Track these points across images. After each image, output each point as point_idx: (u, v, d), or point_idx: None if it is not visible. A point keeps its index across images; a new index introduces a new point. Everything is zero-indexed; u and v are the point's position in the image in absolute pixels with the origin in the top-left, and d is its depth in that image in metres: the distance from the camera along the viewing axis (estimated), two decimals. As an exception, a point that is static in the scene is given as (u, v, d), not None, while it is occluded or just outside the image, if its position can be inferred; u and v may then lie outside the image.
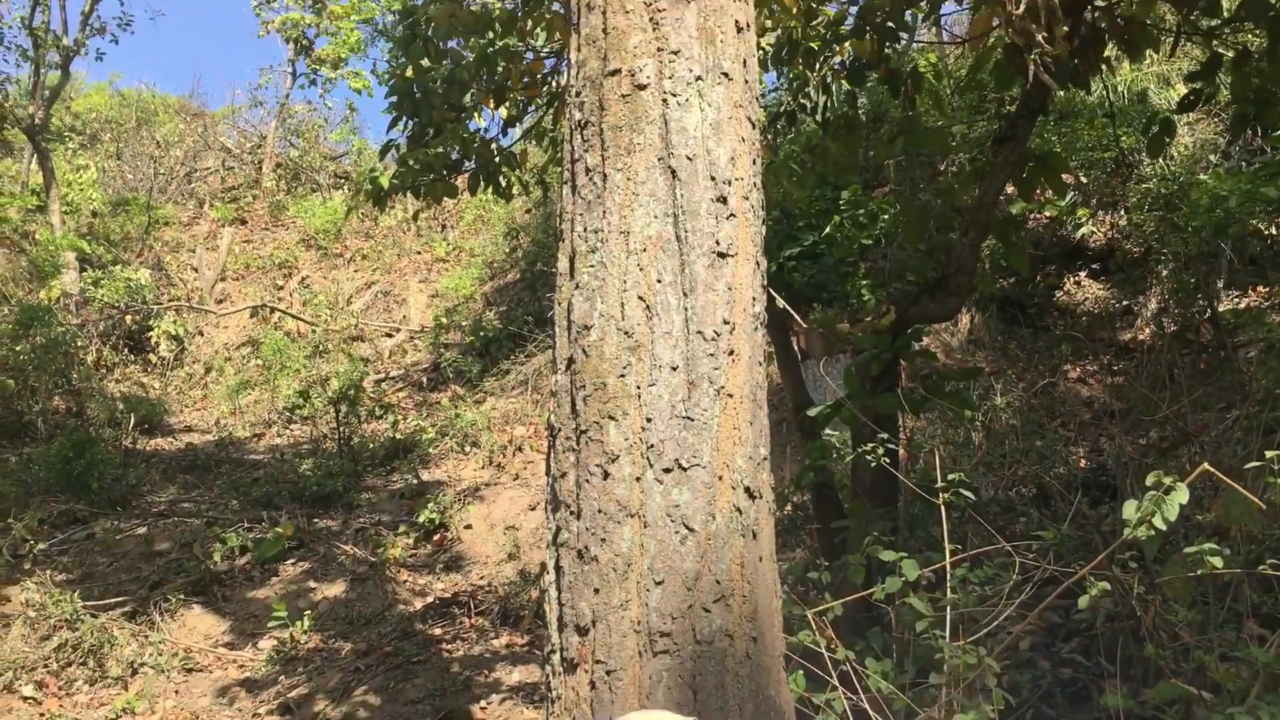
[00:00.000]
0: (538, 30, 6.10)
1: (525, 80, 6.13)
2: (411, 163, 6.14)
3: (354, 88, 25.95)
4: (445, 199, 6.47)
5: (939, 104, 7.15)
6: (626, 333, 2.55)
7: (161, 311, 17.64)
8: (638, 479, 2.49)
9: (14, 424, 13.48)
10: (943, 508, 4.08)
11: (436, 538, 10.58)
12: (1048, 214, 11.56)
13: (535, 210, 18.39)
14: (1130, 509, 3.03)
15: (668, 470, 2.49)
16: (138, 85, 27.88)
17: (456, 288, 18.04)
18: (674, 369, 2.53)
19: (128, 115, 25.35)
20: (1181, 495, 2.94)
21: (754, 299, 2.71)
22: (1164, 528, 2.92)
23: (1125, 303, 10.90)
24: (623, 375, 2.53)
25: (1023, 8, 3.57)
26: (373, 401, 14.42)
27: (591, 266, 2.63)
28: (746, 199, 2.72)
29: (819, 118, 5.69)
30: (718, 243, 2.61)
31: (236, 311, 18.94)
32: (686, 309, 2.57)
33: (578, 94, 2.82)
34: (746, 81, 2.82)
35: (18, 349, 13.57)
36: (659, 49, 2.70)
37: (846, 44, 5.31)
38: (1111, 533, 6.40)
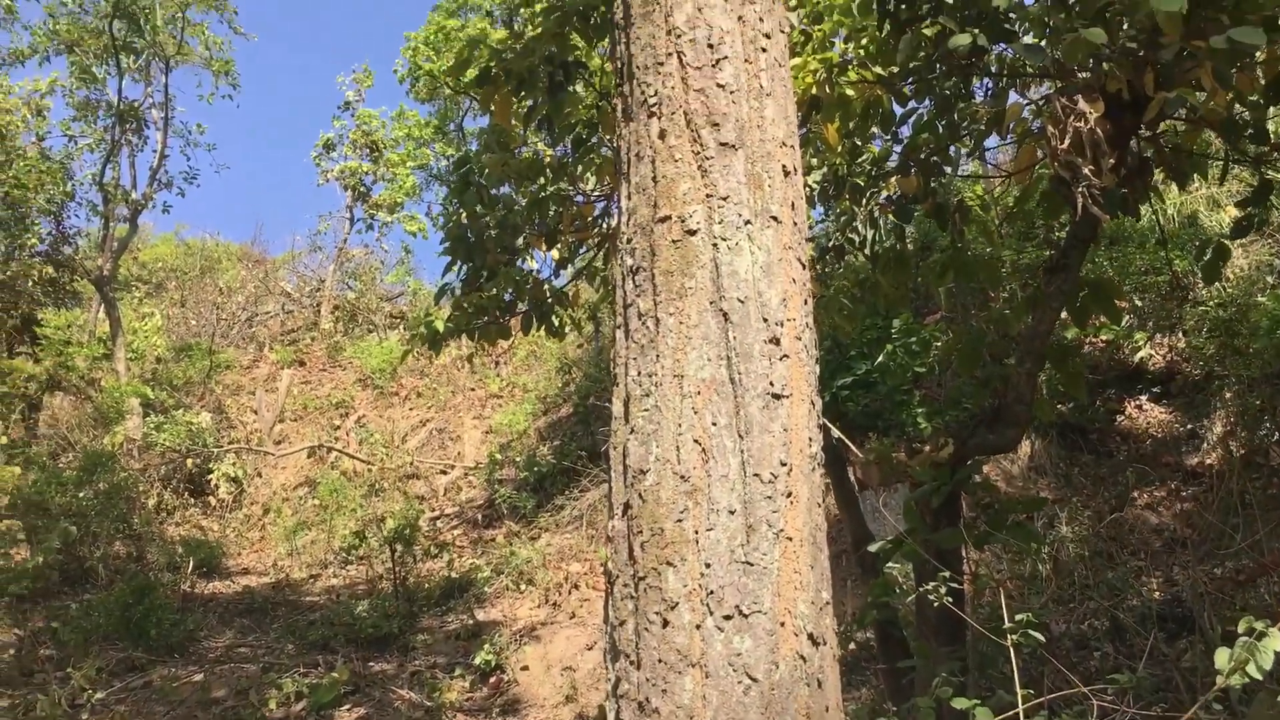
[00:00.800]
0: (587, 174, 6.26)
1: (576, 223, 6.27)
2: (466, 306, 6.25)
3: (409, 230, 26.73)
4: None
5: (987, 234, 7.18)
6: (683, 477, 2.52)
7: (221, 454, 17.90)
8: (698, 627, 2.44)
9: (75, 570, 13.60)
10: (1012, 649, 3.94)
11: (493, 680, 10.41)
12: (1104, 338, 11.46)
13: (587, 344, 18.60)
14: (1223, 658, 2.89)
15: (728, 617, 2.43)
16: (202, 235, 28.94)
17: (510, 423, 18.16)
18: (732, 513, 2.50)
19: (192, 264, 26.25)
20: (1276, 642, 2.81)
21: (810, 439, 2.68)
22: (1260, 677, 2.79)
23: (1189, 426, 10.68)
24: (680, 520, 2.50)
25: (1067, 142, 3.60)
26: (428, 540, 14.41)
27: (646, 410, 2.63)
28: (799, 339, 2.72)
29: (868, 251, 5.74)
30: (772, 384, 2.60)
31: (294, 452, 19.17)
32: (743, 452, 2.55)
33: (629, 240, 2.87)
34: (795, 224, 2.85)
35: (80, 495, 13.78)
36: (708, 195, 2.74)
37: (892, 179, 5.38)
38: (1191, 670, 6.14)
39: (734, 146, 2.78)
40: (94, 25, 20.92)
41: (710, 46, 2.84)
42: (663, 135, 2.82)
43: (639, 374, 2.69)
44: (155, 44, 21.06)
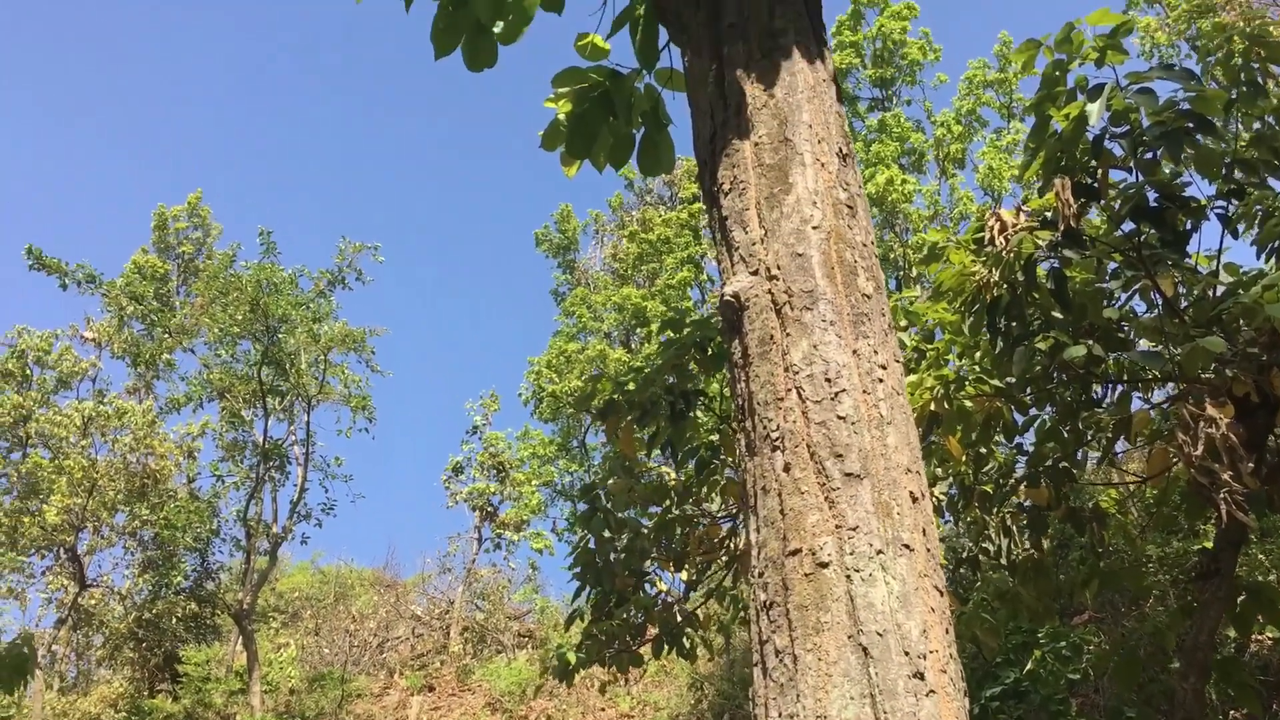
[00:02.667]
0: (712, 496, 6.34)
1: (704, 545, 6.29)
2: (597, 633, 6.22)
3: (536, 548, 26.94)
4: (629, 663, 6.47)
5: (1128, 539, 6.93)
6: (833, 828, 2.39)
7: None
8: None
9: None
10: None
11: None
12: (1270, 635, 10.69)
13: (718, 659, 18.05)
14: None
15: None
16: (337, 562, 29.63)
17: (643, 747, 17.44)
18: None
19: (327, 591, 26.73)
20: None
21: (967, 780, 2.53)
22: None
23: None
24: None
25: (1200, 448, 3.55)
26: None
27: (790, 755, 2.53)
28: (944, 672, 2.63)
29: (1004, 561, 5.59)
30: (919, 722, 2.49)
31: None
32: (895, 799, 2.41)
33: (760, 575, 2.86)
34: (929, 550, 2.82)
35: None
36: (837, 526, 2.75)
37: (1022, 487, 5.32)
38: None
39: (859, 476, 2.81)
40: (244, 372, 22.62)
41: (828, 380, 2.93)
42: (787, 468, 2.87)
43: (780, 715, 2.61)
44: (299, 386, 22.57)
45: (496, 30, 3.10)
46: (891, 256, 26.05)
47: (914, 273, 25.38)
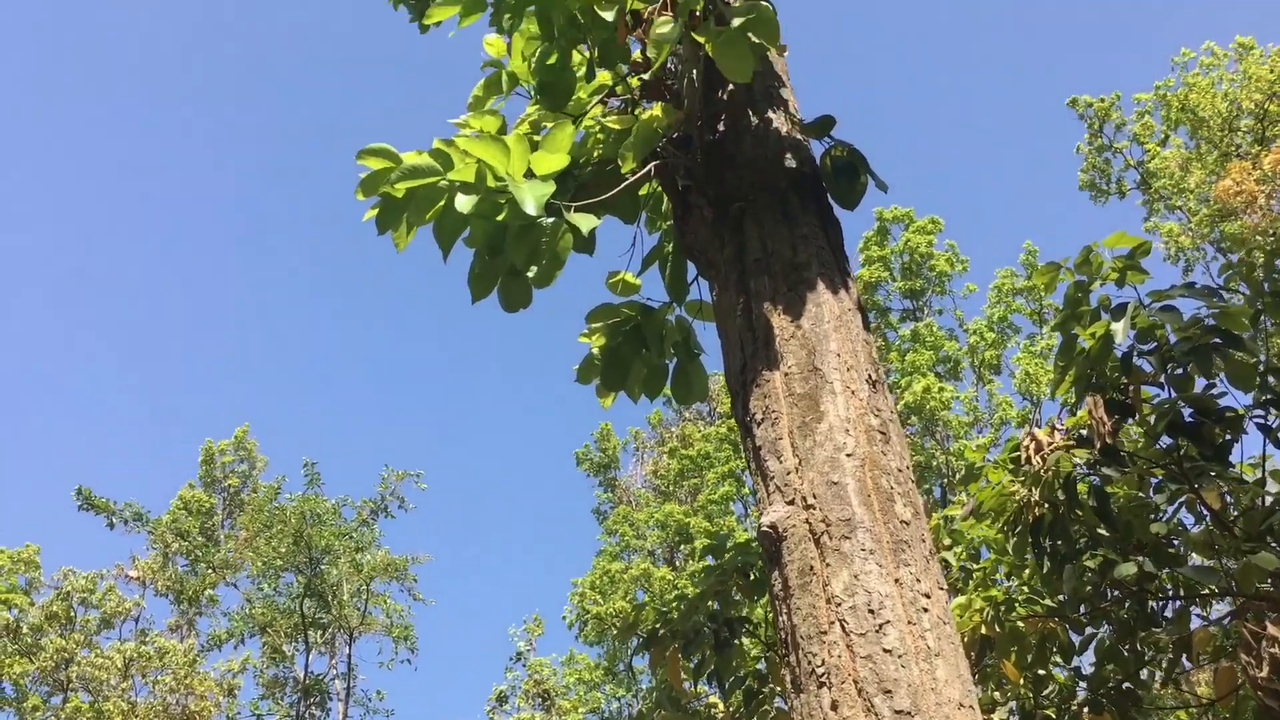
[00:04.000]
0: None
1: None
2: None
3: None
4: None
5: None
6: None
7: None
8: None
9: None
10: None
11: None
12: None
13: None
14: None
15: None
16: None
17: None
18: None
19: None
20: None
21: None
22: None
23: None
24: None
25: (1266, 669, 3.41)
26: None
27: None
28: None
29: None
30: None
31: None
32: None
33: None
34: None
35: None
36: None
37: (1085, 712, 5.08)
38: None
39: (909, 713, 2.71)
40: (286, 605, 22.45)
41: (871, 612, 2.86)
42: (835, 706, 2.78)
43: None
44: (341, 618, 22.33)
45: (531, 275, 3.22)
46: (934, 464, 25.89)
47: (957, 478, 25.15)
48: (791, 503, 3.02)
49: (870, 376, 3.18)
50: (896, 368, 27.37)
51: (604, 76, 4.13)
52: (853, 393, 3.10)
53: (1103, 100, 28.25)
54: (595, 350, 4.07)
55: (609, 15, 3.53)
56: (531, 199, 2.92)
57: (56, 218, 55.09)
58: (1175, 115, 27.50)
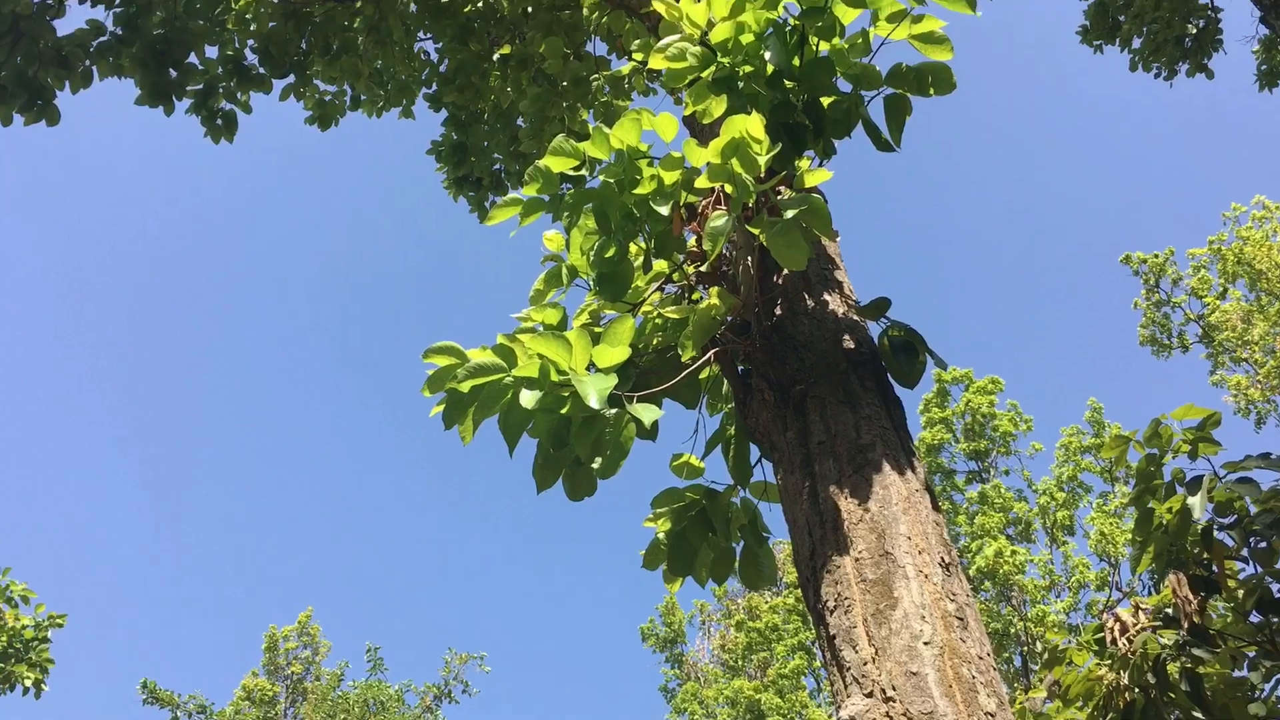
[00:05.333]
0: None
1: None
2: None
3: None
4: None
5: None
6: None
7: None
8: None
9: None
10: None
11: None
12: None
13: None
14: None
15: None
16: None
17: None
18: None
19: None
20: None
21: None
22: None
23: None
24: None
25: None
26: None
27: None
28: None
29: None
30: None
31: None
32: None
33: None
34: None
35: None
36: None
37: None
38: None
39: None
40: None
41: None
42: None
43: None
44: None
45: (595, 466, 3.24)
46: (1012, 631, 25.00)
47: (1038, 647, 24.20)
48: (870, 695, 2.92)
49: (943, 559, 3.11)
50: (965, 531, 26.79)
51: (660, 265, 4.24)
52: (926, 577, 3.03)
53: (1156, 256, 28.32)
54: (661, 535, 4.04)
55: (664, 210, 3.66)
56: (595, 393, 2.97)
57: (118, 414, 56.74)
58: (1231, 268, 27.45)
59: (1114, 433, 4.91)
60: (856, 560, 3.12)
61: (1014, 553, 24.83)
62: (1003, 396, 29.08)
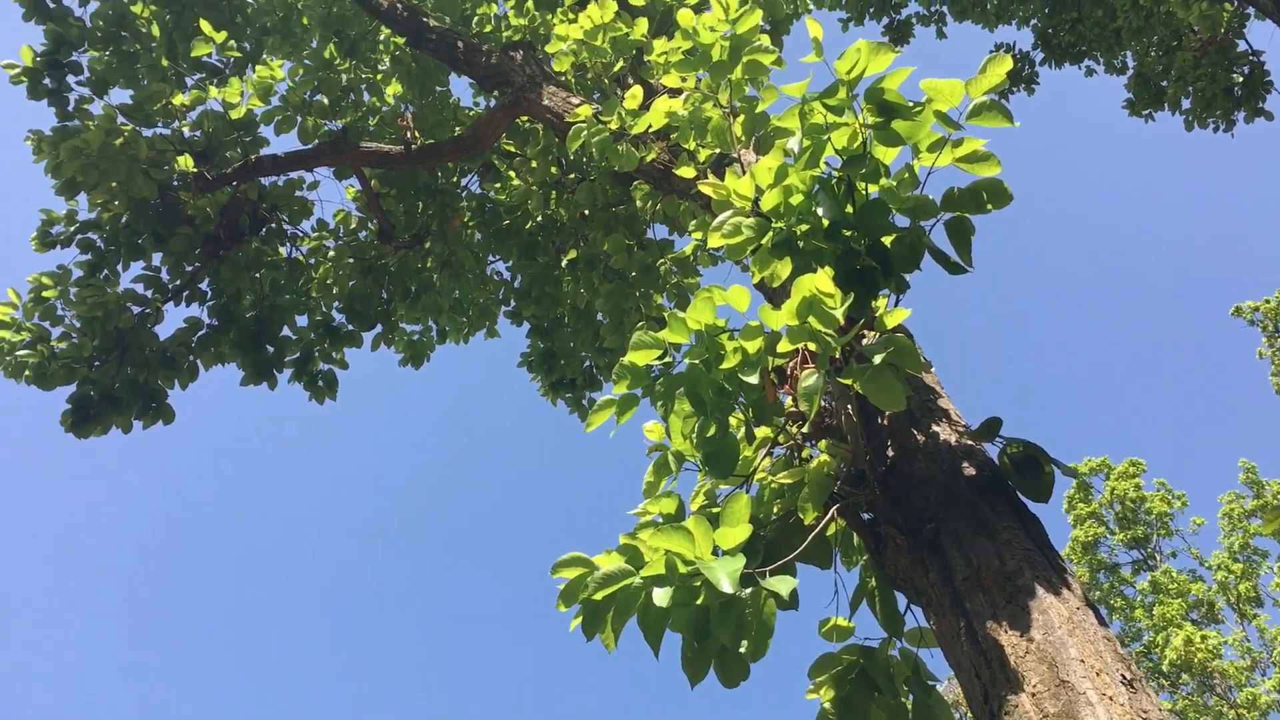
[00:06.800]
0: None
1: None
2: None
3: None
4: None
5: None
6: None
7: None
8: None
9: None
10: None
11: None
12: None
13: None
14: None
15: None
16: None
17: None
18: None
19: None
20: None
21: None
22: None
23: None
24: None
25: None
26: None
27: None
28: None
29: None
30: None
31: None
32: None
33: None
34: None
35: None
36: None
37: None
38: None
39: None
40: None
41: None
42: None
43: None
44: None
45: (742, 650, 3.17)
46: (1225, 722, 23.23)
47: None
48: (1085, 838, 2.73)
49: (1124, 676, 2.94)
50: (1146, 625, 25.30)
51: (764, 431, 4.24)
52: (1111, 699, 2.86)
53: (1268, 301, 27.37)
54: (826, 704, 3.91)
55: (754, 379, 3.67)
56: (725, 578, 2.93)
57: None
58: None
59: (1275, 490, 4.66)
60: (1033, 695, 2.96)
61: (1204, 637, 23.31)
62: (1147, 477, 27.88)
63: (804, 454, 4.18)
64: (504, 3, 10.98)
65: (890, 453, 3.79)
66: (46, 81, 8.04)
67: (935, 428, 3.81)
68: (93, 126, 7.68)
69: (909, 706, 3.89)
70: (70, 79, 8.20)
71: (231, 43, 8.07)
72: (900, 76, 3.71)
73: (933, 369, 4.08)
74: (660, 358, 3.96)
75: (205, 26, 7.57)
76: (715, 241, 3.96)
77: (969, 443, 3.72)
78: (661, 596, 3.10)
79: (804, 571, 4.01)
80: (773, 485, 4.15)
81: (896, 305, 3.74)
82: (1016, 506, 3.50)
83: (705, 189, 4.17)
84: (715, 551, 3.20)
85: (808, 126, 3.82)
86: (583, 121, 5.94)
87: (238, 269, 8.74)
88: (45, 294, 8.05)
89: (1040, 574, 3.20)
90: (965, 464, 3.62)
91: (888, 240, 3.78)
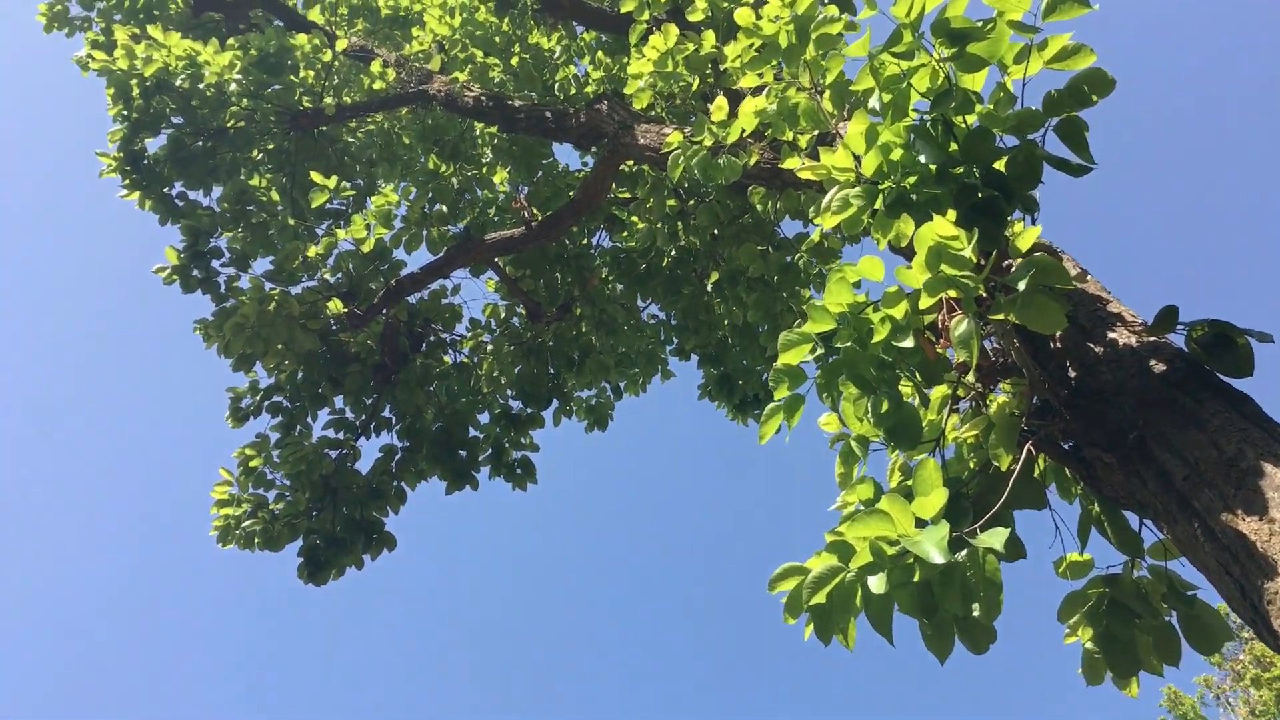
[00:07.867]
0: None
1: None
2: None
3: None
4: None
5: None
6: None
7: None
8: None
9: None
10: None
11: None
12: None
13: None
14: None
15: None
16: None
17: None
18: None
19: None
20: None
21: None
22: None
23: None
24: None
25: None
26: None
27: None
28: None
29: None
30: None
31: None
32: None
33: None
34: None
35: None
36: None
37: None
38: None
39: None
40: None
41: None
42: None
43: None
44: None
45: (976, 614, 3.08)
46: None
47: None
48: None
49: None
50: None
51: (938, 390, 4.14)
52: (1377, 558, 2.65)
53: None
54: (1088, 644, 3.74)
55: (909, 343, 3.59)
56: (933, 547, 2.86)
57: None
58: None
59: None
60: (1293, 578, 2.77)
61: None
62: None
63: (989, 400, 4.06)
64: (579, 61, 11.23)
65: (1072, 373, 3.63)
66: (195, 273, 8.64)
67: (1111, 335, 3.64)
68: (246, 300, 8.21)
69: (1175, 624, 3.69)
70: (214, 264, 8.78)
71: (344, 184, 8.46)
72: (962, 3, 3.61)
73: (1089, 276, 3.89)
74: (812, 351, 3.91)
75: (316, 177, 7.97)
76: (829, 221, 3.91)
77: (1151, 339, 3.52)
78: (877, 583, 3.05)
79: (1025, 516, 3.88)
80: (967, 440, 4.04)
81: (1030, 226, 3.60)
82: (1219, 388, 3.29)
83: (804, 175, 4.13)
84: (919, 525, 3.13)
85: (884, 80, 3.74)
86: (677, 148, 5.98)
87: (411, 388, 9.12)
88: (252, 464, 8.59)
89: (1264, 450, 3.00)
90: (1153, 361, 3.43)
91: (1000, 165, 3.65)
